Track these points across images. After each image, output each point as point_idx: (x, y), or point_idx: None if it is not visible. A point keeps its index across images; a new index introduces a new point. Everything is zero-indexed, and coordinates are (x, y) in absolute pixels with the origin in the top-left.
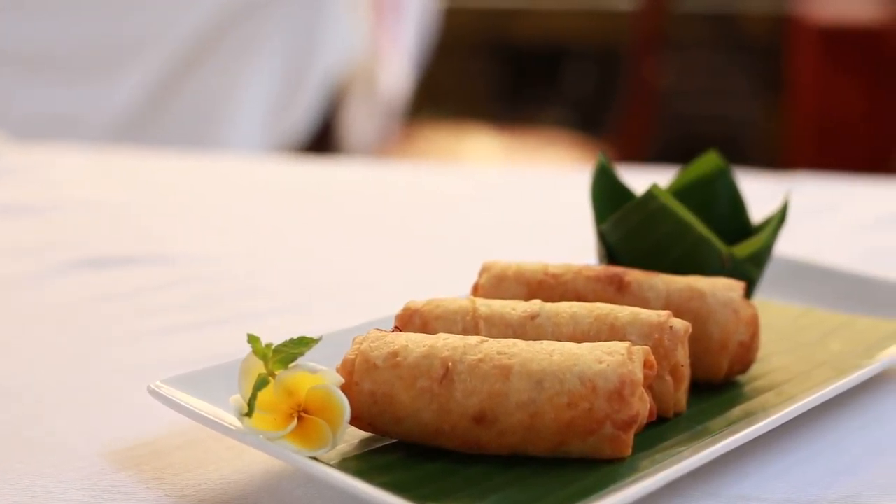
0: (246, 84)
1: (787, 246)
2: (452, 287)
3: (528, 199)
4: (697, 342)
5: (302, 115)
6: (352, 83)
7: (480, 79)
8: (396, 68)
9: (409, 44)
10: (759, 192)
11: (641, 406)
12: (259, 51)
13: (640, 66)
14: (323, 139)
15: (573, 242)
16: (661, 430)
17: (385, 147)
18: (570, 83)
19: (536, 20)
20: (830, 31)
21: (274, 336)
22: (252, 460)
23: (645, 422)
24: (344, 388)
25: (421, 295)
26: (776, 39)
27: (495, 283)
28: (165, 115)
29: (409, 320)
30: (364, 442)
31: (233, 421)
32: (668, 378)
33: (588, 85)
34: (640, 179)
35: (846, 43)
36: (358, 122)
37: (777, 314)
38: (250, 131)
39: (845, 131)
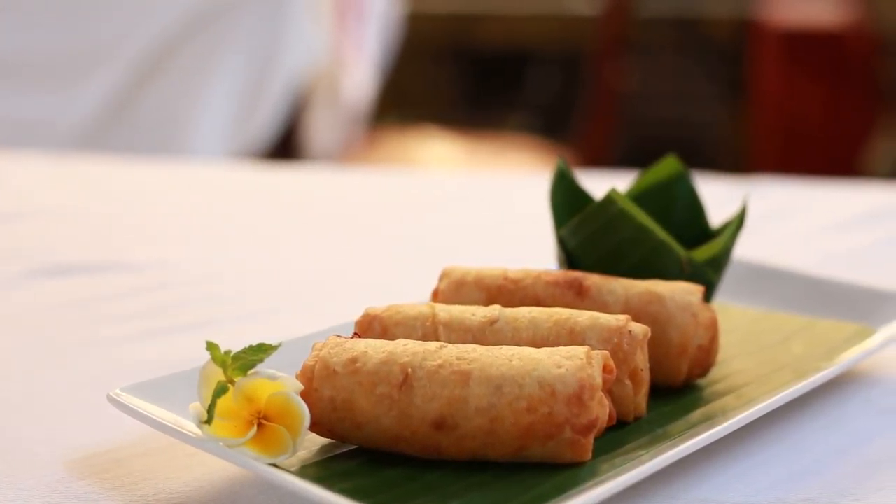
0: (209, 90)
1: (748, 249)
2: (412, 293)
3: (490, 204)
4: (657, 346)
5: (265, 121)
6: (315, 89)
7: (444, 84)
8: (360, 74)
9: (372, 49)
10: (721, 196)
11: (601, 410)
12: (222, 57)
13: (604, 70)
14: (286, 145)
15: (533, 247)
16: (620, 434)
17: (349, 153)
18: (533, 88)
19: (500, 25)
20: (792, 35)
21: (234, 343)
22: (212, 468)
23: (604, 426)
24: (303, 395)
25: (381, 301)
26: (739, 43)
27: (455, 289)
28: (129, 122)
29: (369, 326)
30: (324, 448)
31: (193, 428)
32: (628, 382)
33: (552, 89)
34: (600, 184)
35: (808, 47)
36: (321, 128)
37: (737, 317)
38: (214, 137)
39: (808, 135)
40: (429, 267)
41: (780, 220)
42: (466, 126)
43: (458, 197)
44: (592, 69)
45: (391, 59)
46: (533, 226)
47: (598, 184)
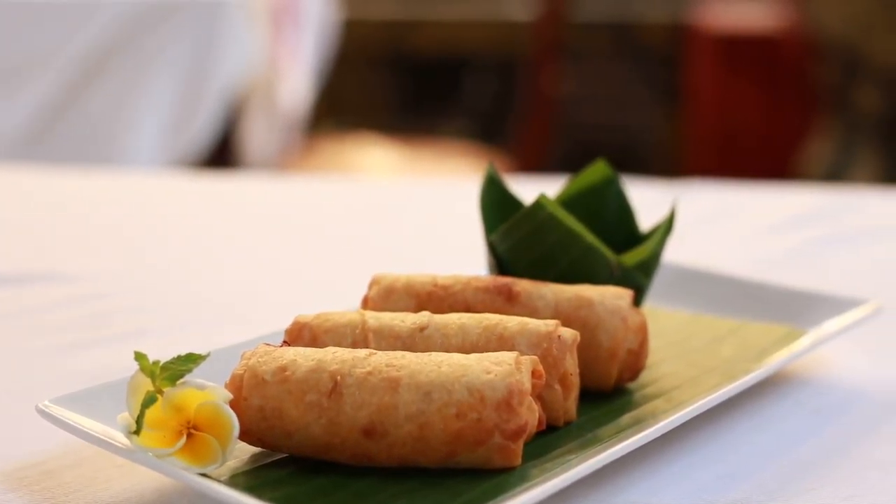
0: (144, 99)
1: (679, 253)
2: (343, 300)
3: (425, 210)
4: (587, 350)
5: (201, 129)
6: (251, 96)
7: (381, 90)
8: (296, 80)
9: (308, 56)
10: (653, 200)
11: (530, 415)
12: (157, 65)
13: (539, 76)
14: (222, 153)
15: (465, 253)
16: (551, 439)
17: (285, 160)
18: (470, 94)
19: (436, 31)
20: (727, 39)
21: (166, 353)
22: (143, 478)
23: (534, 431)
24: (233, 404)
25: (311, 308)
26: (674, 48)
27: (385, 296)
28: (63, 132)
29: (299, 334)
30: (254, 457)
31: (122, 439)
32: (558, 387)
33: (488, 95)
34: (534, 189)
35: (743, 51)
36: (258, 136)
37: (667, 321)
38: (150, 146)
39: (743, 138)
40: (360, 274)
41: (713, 224)
42: (403, 132)
43: (392, 203)
44: (528, 75)
45: (327, 65)
46: (467, 231)
47: (532, 189)
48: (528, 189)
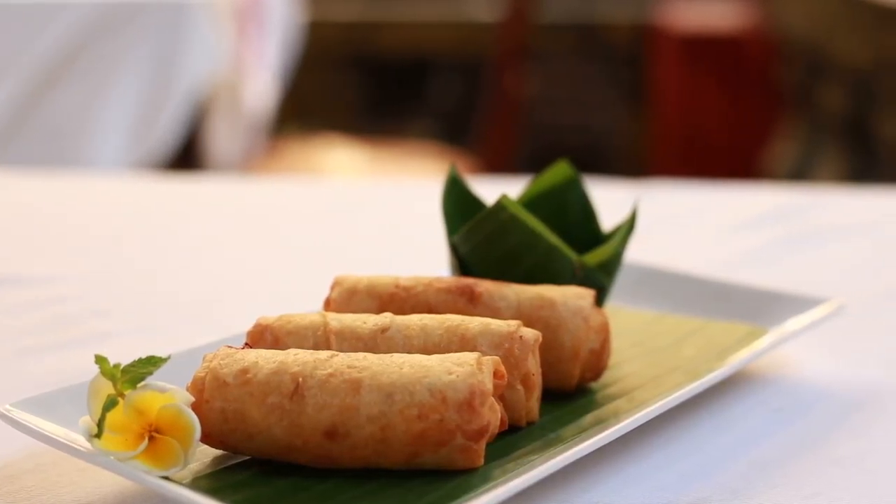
0: (108, 101)
1: (643, 253)
2: (305, 302)
3: (385, 211)
4: (549, 351)
5: (166, 131)
6: (216, 98)
7: (346, 92)
8: (260, 82)
9: (272, 58)
10: (617, 200)
11: (492, 416)
12: (121, 67)
13: (504, 77)
14: (187, 155)
15: (428, 254)
16: (513, 440)
17: (250, 162)
18: (435, 95)
19: (401, 32)
20: (691, 39)
21: (128, 356)
22: (105, 482)
23: (496, 431)
24: (194, 407)
25: (273, 310)
26: (638, 48)
27: (347, 297)
28: (27, 134)
29: (261, 336)
30: (217, 460)
31: (84, 443)
32: (520, 387)
33: (453, 96)
34: (498, 190)
35: (707, 51)
36: (222, 138)
37: (629, 321)
38: (114, 148)
39: (708, 138)
40: (323, 275)
41: (676, 223)
42: (368, 134)
43: (356, 205)
44: (493, 76)
45: (292, 67)
46: (430, 232)
47: (495, 189)
48: (491, 190)
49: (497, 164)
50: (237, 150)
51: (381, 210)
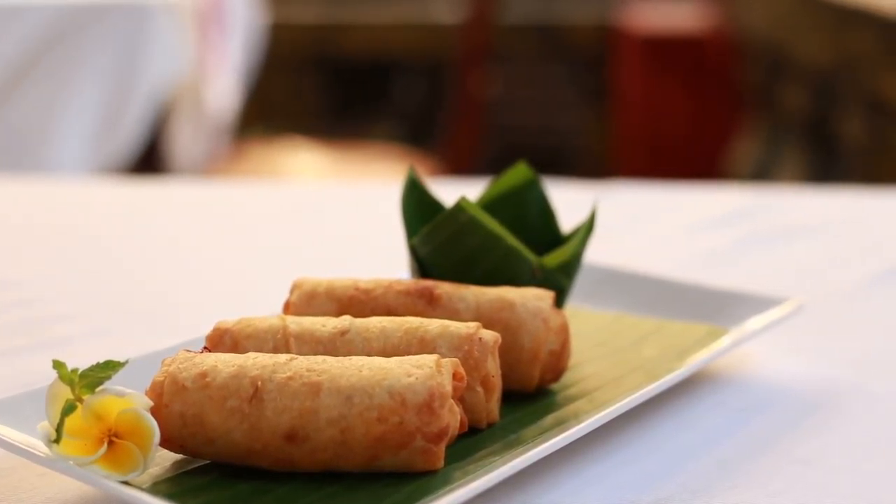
0: (69, 104)
1: (604, 254)
2: (265, 305)
3: (346, 214)
4: (508, 352)
5: (128, 135)
6: (178, 101)
7: (309, 94)
8: (223, 85)
9: (235, 60)
10: (579, 201)
11: (452, 418)
12: (82, 70)
13: (467, 78)
14: (150, 159)
15: (389, 256)
16: (473, 441)
17: (214, 165)
18: (399, 97)
19: (364, 34)
20: (653, 40)
21: (89, 360)
22: (65, 487)
23: (456, 433)
24: (153, 411)
25: (233, 314)
26: (601, 50)
27: (306, 301)
28: None
29: (220, 340)
30: (177, 464)
31: (42, 448)
32: (479, 389)
33: (417, 98)
34: (457, 192)
35: (669, 52)
36: (185, 141)
37: (589, 321)
38: (76, 152)
39: (671, 138)
40: (283, 278)
41: (636, 224)
42: (332, 136)
43: (316, 207)
44: (456, 77)
45: (255, 69)
46: (390, 234)
47: (456, 191)
48: (452, 192)
49: (461, 166)
50: (200, 153)
51: (342, 212)
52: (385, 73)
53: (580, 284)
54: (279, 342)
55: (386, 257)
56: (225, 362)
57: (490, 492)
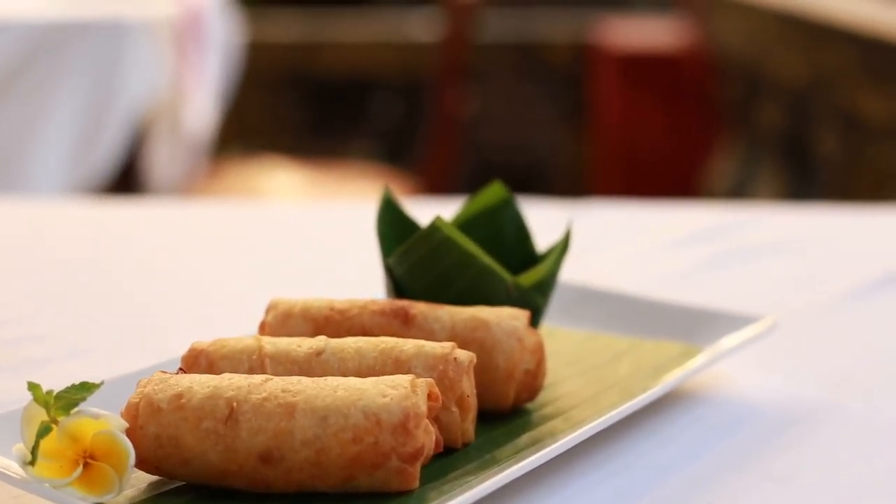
0: (46, 124)
1: (579, 273)
2: (240, 326)
3: (323, 234)
4: (484, 372)
5: (105, 154)
6: (155, 120)
7: (286, 113)
8: (201, 104)
9: (212, 79)
10: (554, 220)
11: (427, 438)
12: (59, 89)
13: (445, 96)
14: (127, 178)
15: (365, 277)
16: (449, 461)
17: (191, 184)
18: (376, 115)
19: (341, 53)
20: (630, 58)
21: (63, 382)
22: None
23: (431, 453)
24: (128, 433)
25: (208, 335)
26: (578, 67)
27: (282, 321)
28: None
29: (195, 361)
30: (153, 485)
31: (18, 470)
32: (455, 409)
33: (394, 117)
34: (433, 211)
35: (646, 70)
36: (162, 160)
37: (564, 340)
38: (52, 171)
39: (648, 156)
40: (258, 299)
41: (612, 243)
42: (310, 155)
43: (295, 227)
44: (434, 96)
45: (233, 88)
46: (366, 254)
47: (431, 210)
48: (428, 211)
49: (439, 184)
50: (178, 172)
51: (319, 232)
52: (362, 91)
53: (555, 303)
54: (255, 363)
55: (361, 277)
56: (200, 383)
57: None
